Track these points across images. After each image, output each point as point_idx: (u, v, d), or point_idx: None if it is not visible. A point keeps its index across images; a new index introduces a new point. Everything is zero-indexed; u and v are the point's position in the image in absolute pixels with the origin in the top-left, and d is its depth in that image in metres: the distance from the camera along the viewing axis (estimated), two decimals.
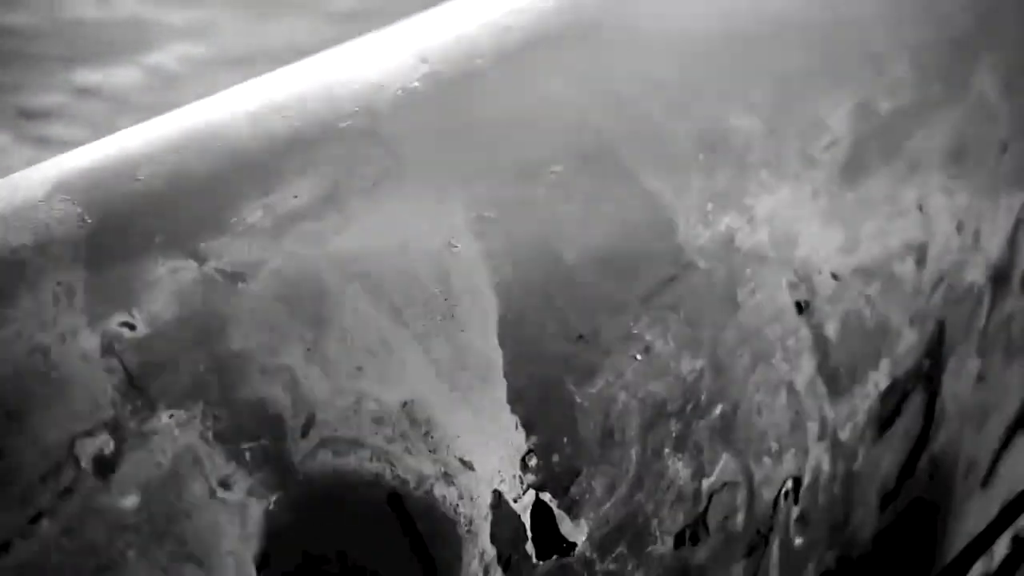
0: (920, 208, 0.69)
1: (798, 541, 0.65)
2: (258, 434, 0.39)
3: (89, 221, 0.42)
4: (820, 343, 0.61)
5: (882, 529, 0.77)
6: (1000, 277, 0.79)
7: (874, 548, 0.77)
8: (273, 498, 0.39)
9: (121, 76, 4.71)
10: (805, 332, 0.60)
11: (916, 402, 0.74)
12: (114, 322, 0.39)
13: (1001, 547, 0.81)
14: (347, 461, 0.41)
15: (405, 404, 0.43)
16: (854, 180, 0.64)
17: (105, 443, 0.37)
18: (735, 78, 0.63)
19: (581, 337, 0.49)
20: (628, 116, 0.57)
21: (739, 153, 0.59)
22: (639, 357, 0.51)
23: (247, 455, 0.39)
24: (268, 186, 0.46)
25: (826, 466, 0.65)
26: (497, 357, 0.46)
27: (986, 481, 0.89)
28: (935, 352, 0.74)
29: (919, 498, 0.81)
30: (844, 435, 0.66)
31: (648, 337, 0.51)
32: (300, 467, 0.40)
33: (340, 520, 0.40)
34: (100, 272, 0.41)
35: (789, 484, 0.61)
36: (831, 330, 0.62)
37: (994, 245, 0.78)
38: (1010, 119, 0.79)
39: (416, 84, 0.53)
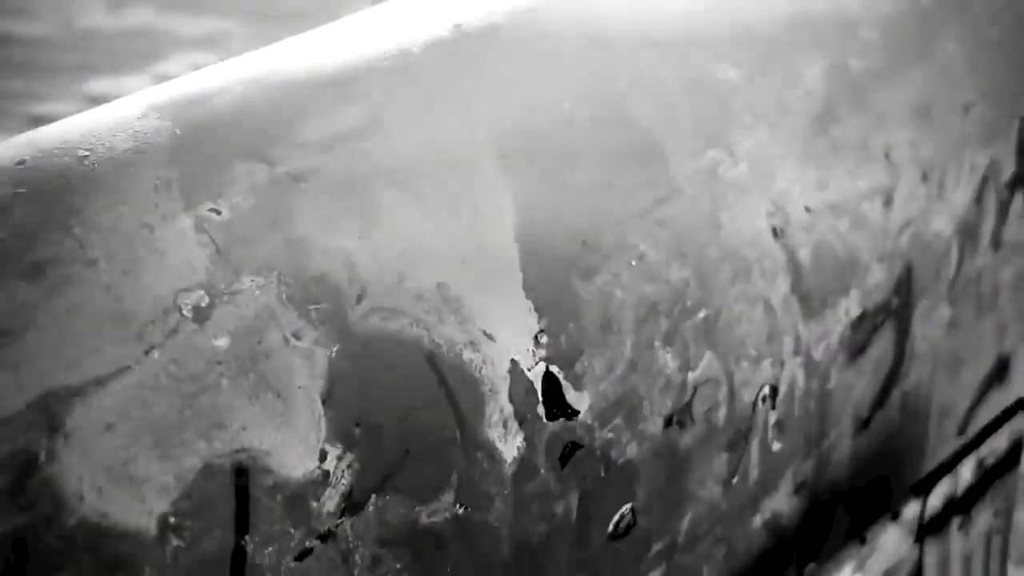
0: (887, 156, 0.78)
1: (776, 446, 0.73)
2: (321, 299, 0.48)
3: (179, 133, 0.51)
4: (794, 266, 0.70)
5: (857, 454, 0.85)
6: (968, 232, 0.87)
7: (850, 471, 0.85)
8: (334, 348, 0.48)
9: (133, 85, 4.81)
10: (780, 255, 0.68)
11: (887, 335, 0.83)
12: (204, 208, 0.48)
13: (966, 473, 0.89)
14: (392, 325, 0.50)
15: (439, 285, 0.52)
16: (826, 127, 0.73)
17: (201, 298, 0.46)
18: (723, 37, 0.72)
19: (585, 242, 0.58)
20: (627, 65, 0.66)
21: (724, 99, 0.68)
22: (634, 263, 0.59)
23: (313, 314, 0.48)
24: (321, 111, 0.55)
25: (801, 380, 0.74)
26: (515, 253, 0.55)
27: (962, 431, 0.97)
28: (904, 291, 0.83)
29: (893, 433, 0.89)
30: (817, 354, 0.75)
31: (642, 247, 0.60)
32: (355, 327, 0.49)
33: (387, 370, 0.49)
34: (191, 171, 0.50)
35: (766, 390, 0.70)
36: (804, 256, 0.70)
37: (960, 199, 0.87)
38: (973, 84, 0.88)
39: (445, 34, 0.62)
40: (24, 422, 0.39)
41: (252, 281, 0.47)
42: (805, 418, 0.76)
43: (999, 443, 0.90)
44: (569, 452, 0.55)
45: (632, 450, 0.59)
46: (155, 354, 0.43)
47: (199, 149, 0.51)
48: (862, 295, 0.78)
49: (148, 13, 6.21)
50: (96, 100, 4.53)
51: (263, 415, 0.44)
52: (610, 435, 0.57)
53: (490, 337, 0.53)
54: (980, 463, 0.87)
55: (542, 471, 0.54)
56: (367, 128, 0.55)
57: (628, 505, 0.60)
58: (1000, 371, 0.92)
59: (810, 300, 0.72)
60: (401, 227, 0.53)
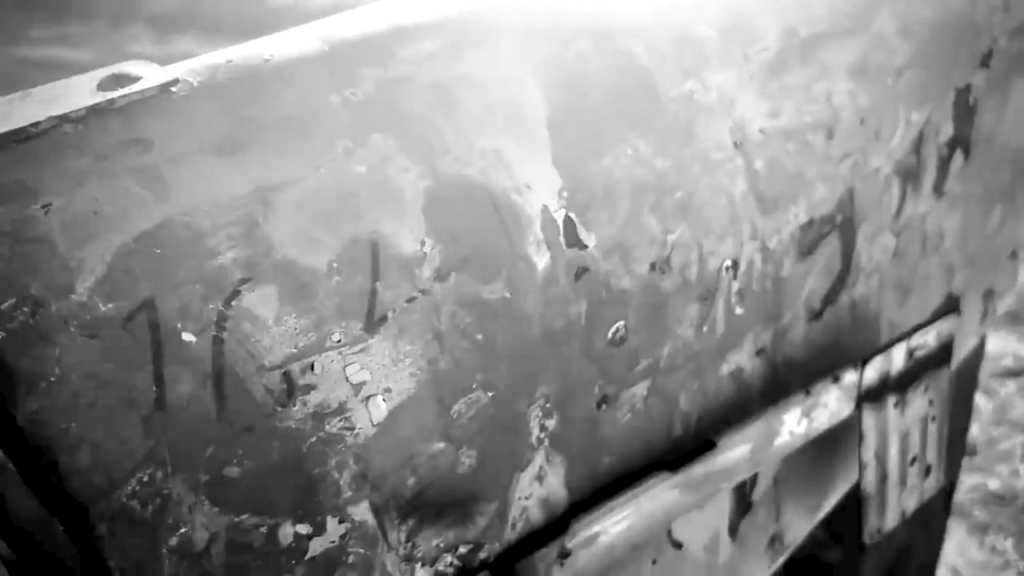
0: (828, 100, 1.03)
1: (738, 310, 0.98)
2: (421, 152, 0.75)
3: (326, 49, 0.78)
4: (750, 172, 0.95)
5: (810, 339, 1.08)
6: (908, 174, 1.09)
7: (804, 352, 1.08)
8: (429, 181, 0.74)
9: None
10: (740, 161, 0.94)
11: (833, 244, 1.06)
12: (347, 91, 0.75)
13: (899, 358, 1.11)
14: (468, 172, 0.76)
15: (496, 151, 0.78)
16: (777, 74, 0.99)
17: (348, 146, 0.72)
18: (704, 4, 0.97)
19: (593, 135, 0.84)
20: (631, 21, 0.92)
21: (700, 48, 0.94)
22: (629, 152, 0.85)
23: (418, 158, 0.74)
24: (412, 40, 0.82)
25: (758, 262, 0.99)
26: (547, 136, 0.81)
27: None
28: (847, 210, 1.06)
29: (843, 330, 1.11)
30: (771, 244, 0.99)
31: (636, 142, 0.86)
32: (445, 168, 0.75)
33: (464, 200, 0.75)
34: (337, 69, 0.76)
35: (728, 262, 0.95)
36: (759, 165, 0.96)
37: (898, 146, 1.09)
38: (905, 53, 1.12)
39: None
40: (248, 199, 0.65)
41: (381, 136, 0.73)
42: (763, 295, 1.00)
43: (928, 339, 1.12)
44: (580, 272, 0.81)
45: (625, 282, 0.85)
46: (322, 171, 0.70)
47: (339, 58, 0.78)
48: (809, 205, 1.02)
49: (191, 42, 6.55)
50: None
51: (387, 213, 0.71)
52: (609, 267, 0.83)
53: (529, 188, 0.79)
54: (911, 353, 1.08)
55: (561, 281, 0.79)
56: (444, 53, 0.82)
57: (622, 322, 0.85)
58: (951, 306, 1.10)
59: (764, 199, 0.97)
60: (472, 113, 0.79)
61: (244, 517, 0.60)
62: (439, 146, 0.76)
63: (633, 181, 0.86)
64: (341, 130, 0.72)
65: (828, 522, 0.97)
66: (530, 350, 0.75)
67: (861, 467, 0.83)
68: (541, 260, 0.78)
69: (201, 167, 0.65)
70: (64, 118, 0.60)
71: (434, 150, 0.75)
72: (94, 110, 0.61)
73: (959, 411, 1.09)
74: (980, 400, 2.54)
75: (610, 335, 0.85)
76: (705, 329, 0.95)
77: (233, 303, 0.62)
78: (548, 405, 0.76)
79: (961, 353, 1.06)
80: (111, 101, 0.62)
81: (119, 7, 6.75)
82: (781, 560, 0.81)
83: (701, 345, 0.95)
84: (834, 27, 1.06)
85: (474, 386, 0.71)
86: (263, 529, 0.62)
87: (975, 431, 2.48)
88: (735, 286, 0.97)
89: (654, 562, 0.73)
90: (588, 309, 0.82)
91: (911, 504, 0.78)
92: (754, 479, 0.81)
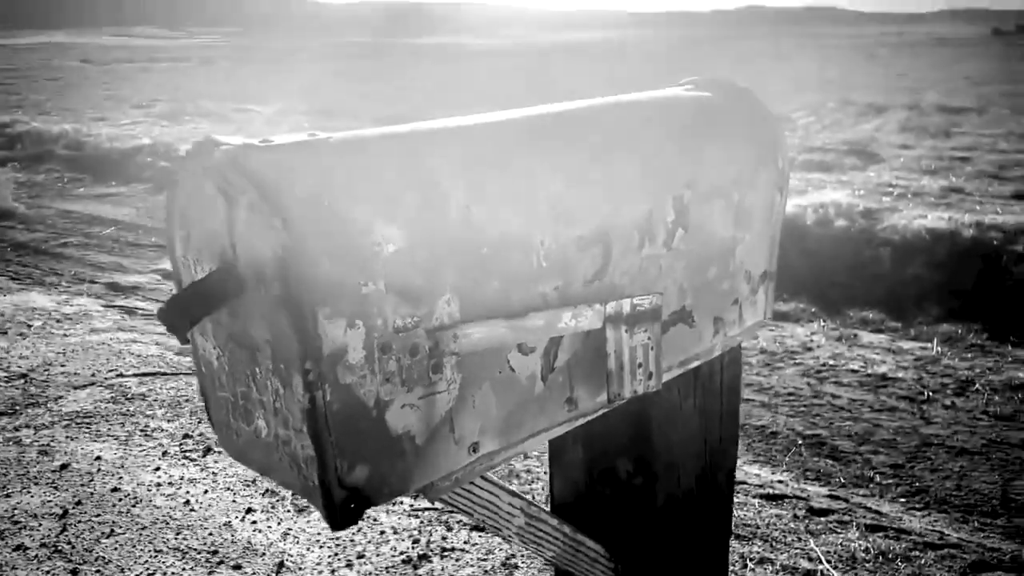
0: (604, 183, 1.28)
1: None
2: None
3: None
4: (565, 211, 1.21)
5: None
6: (645, 232, 1.09)
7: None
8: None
9: None
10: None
11: (600, 254, 1.24)
12: None
13: (626, 306, 1.39)
14: None
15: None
16: (582, 175, 0.96)
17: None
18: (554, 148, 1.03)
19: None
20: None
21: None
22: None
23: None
24: None
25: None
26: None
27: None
28: (607, 239, 1.04)
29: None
30: (570, 242, 1.04)
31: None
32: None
33: None
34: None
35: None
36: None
37: (638, 214, 1.07)
38: (638, 169, 1.04)
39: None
40: None
41: None
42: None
43: (644, 302, 1.07)
44: None
45: None
46: None
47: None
48: (591, 229, 1.01)
49: None
50: (167, 276, 5.28)
51: None
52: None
53: None
54: (634, 307, 1.07)
55: None
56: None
57: None
58: (686, 316, 1.17)
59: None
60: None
61: None
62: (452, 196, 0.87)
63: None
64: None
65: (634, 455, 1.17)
66: None
67: (608, 373, 1.00)
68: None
69: None
70: None
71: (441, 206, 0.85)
72: None
73: (731, 396, 1.31)
74: None
75: None
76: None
77: None
78: None
79: (703, 347, 1.19)
80: None
81: None
82: (577, 418, 1.00)
83: None
84: (644, 172, 1.50)
85: None
86: None
87: None
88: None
89: (499, 372, 0.89)
90: None
91: (640, 389, 1.02)
92: (556, 352, 0.97)
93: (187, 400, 3.11)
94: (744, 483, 2.57)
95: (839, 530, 2.30)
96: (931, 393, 3.39)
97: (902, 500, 2.58)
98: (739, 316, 1.17)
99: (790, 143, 9.58)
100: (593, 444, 1.26)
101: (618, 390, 0.97)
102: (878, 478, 2.71)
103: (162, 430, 2.86)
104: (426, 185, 0.81)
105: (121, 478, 2.54)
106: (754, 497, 2.48)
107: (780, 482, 2.63)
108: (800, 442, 2.97)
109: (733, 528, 2.32)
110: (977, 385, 3.46)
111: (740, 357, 1.30)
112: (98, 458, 2.66)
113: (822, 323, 4.30)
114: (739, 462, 2.81)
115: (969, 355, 3.83)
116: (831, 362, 3.75)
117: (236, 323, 0.75)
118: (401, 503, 2.38)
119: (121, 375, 3.35)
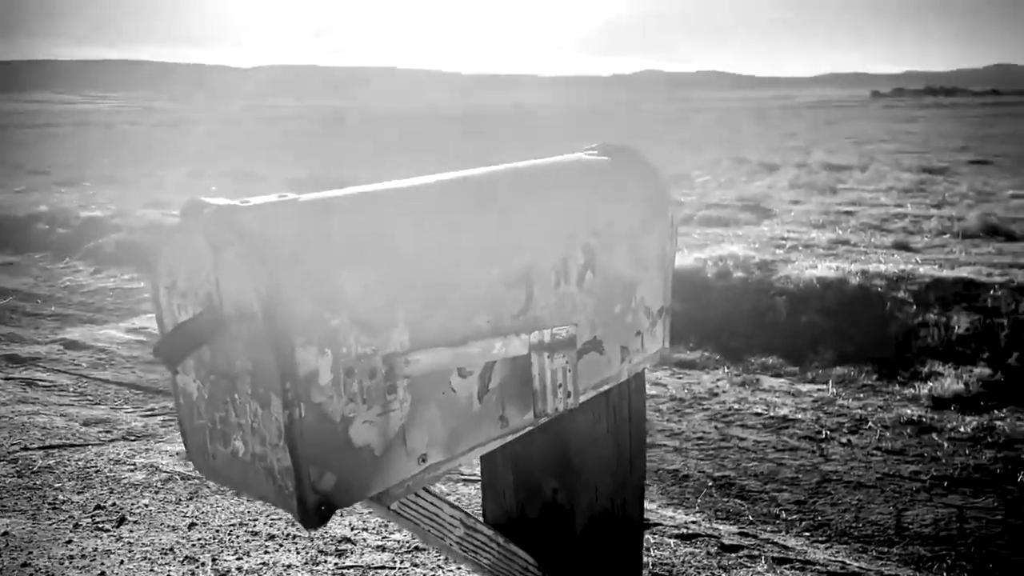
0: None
1: None
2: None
3: None
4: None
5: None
6: (560, 272, 1.21)
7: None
8: None
9: (104, 334, 5.45)
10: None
11: (524, 289, 1.42)
12: None
13: (547, 336, 1.56)
14: None
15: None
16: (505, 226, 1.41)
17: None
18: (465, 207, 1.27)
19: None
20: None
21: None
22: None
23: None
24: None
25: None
26: None
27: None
28: (529, 279, 1.17)
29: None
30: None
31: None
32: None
33: None
34: None
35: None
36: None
37: (553, 260, 1.18)
38: (550, 224, 1.21)
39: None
40: None
41: None
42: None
43: (562, 332, 1.46)
44: None
45: None
46: None
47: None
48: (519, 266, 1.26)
49: (123, 275, 7.02)
50: (69, 345, 5.13)
51: None
52: None
53: None
54: (554, 335, 1.16)
55: None
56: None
57: None
58: (597, 345, 1.28)
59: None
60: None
61: None
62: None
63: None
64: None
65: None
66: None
67: (534, 392, 1.07)
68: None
69: None
70: None
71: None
72: None
73: (638, 418, 1.44)
74: None
75: None
76: None
77: None
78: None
79: (612, 372, 1.29)
80: None
81: None
82: (508, 434, 1.09)
83: None
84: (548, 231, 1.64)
85: None
86: None
87: None
88: None
89: (443, 393, 0.98)
90: None
91: (560, 407, 1.10)
92: (490, 376, 1.05)
93: (97, 471, 3.04)
94: (660, 525, 2.67)
95: (749, 564, 2.42)
96: (829, 432, 3.59)
97: (806, 534, 2.73)
98: (642, 345, 1.35)
99: (689, 200, 10.13)
100: (519, 466, 1.39)
101: (543, 408, 1.09)
102: (784, 514, 2.86)
103: (72, 502, 2.78)
104: (382, 237, 0.93)
105: (31, 552, 2.46)
106: (670, 537, 2.58)
107: (693, 522, 2.74)
108: (710, 483, 3.11)
109: (650, 568, 2.42)
110: (870, 423, 3.68)
111: (644, 384, 1.46)
112: (4, 534, 2.57)
113: (726, 370, 4.50)
114: (654, 505, 2.94)
115: (862, 395, 4.08)
116: (736, 406, 3.93)
117: (218, 357, 0.85)
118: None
119: (26, 448, 3.24)
